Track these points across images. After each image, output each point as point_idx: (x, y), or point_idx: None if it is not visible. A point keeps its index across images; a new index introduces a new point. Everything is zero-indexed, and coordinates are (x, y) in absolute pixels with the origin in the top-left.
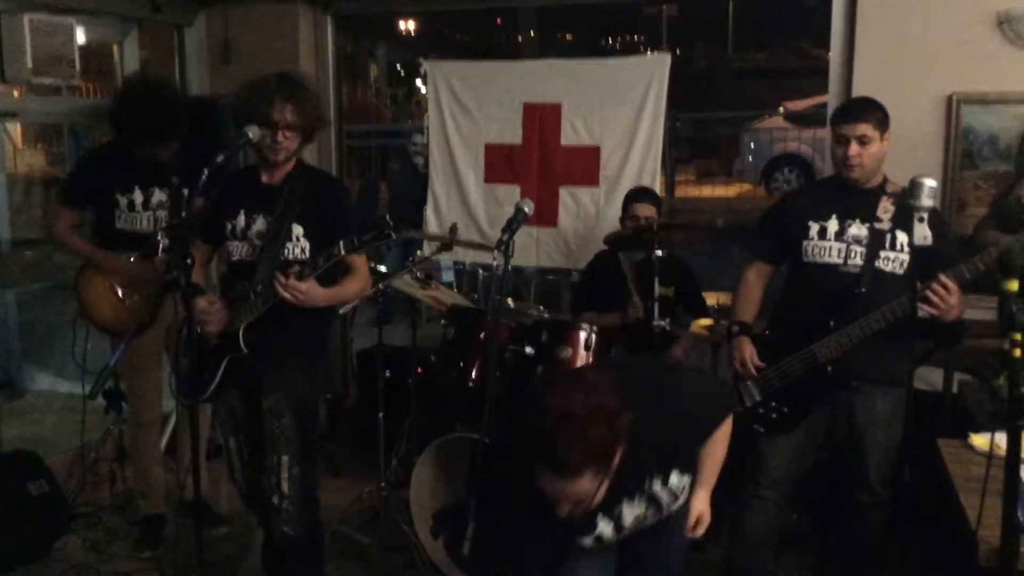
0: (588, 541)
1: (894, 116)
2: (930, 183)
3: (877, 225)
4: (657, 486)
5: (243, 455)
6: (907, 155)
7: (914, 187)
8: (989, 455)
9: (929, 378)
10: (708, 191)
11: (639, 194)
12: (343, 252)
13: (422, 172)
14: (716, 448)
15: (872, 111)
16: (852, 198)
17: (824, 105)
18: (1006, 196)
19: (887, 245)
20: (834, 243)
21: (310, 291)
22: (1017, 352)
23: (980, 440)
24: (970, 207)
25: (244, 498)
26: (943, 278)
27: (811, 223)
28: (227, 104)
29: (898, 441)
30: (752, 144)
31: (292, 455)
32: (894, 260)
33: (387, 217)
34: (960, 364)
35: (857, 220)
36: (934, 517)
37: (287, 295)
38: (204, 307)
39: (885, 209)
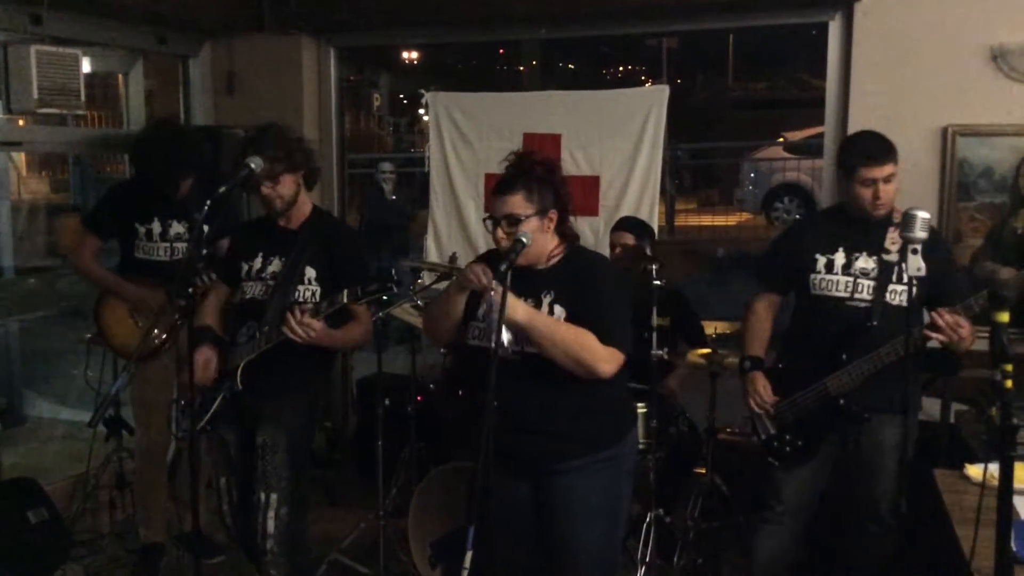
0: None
1: None
2: (923, 215)
3: (886, 257)
4: (548, 299)
5: (232, 496)
6: (903, 186)
7: (908, 219)
8: (982, 485)
9: (927, 408)
10: (709, 220)
11: (618, 222)
12: (345, 300)
13: (388, 199)
14: (570, 331)
15: (892, 149)
16: (859, 230)
17: (821, 135)
18: (1001, 227)
19: (895, 278)
20: (841, 276)
21: (320, 330)
22: (1008, 383)
23: (975, 470)
24: (966, 238)
25: (233, 538)
26: (950, 314)
27: (818, 256)
28: (230, 134)
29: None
30: (752, 174)
31: (281, 494)
32: (901, 293)
33: (392, 271)
34: (958, 394)
35: (864, 253)
36: (930, 548)
37: (299, 331)
38: (200, 362)
39: (893, 240)
